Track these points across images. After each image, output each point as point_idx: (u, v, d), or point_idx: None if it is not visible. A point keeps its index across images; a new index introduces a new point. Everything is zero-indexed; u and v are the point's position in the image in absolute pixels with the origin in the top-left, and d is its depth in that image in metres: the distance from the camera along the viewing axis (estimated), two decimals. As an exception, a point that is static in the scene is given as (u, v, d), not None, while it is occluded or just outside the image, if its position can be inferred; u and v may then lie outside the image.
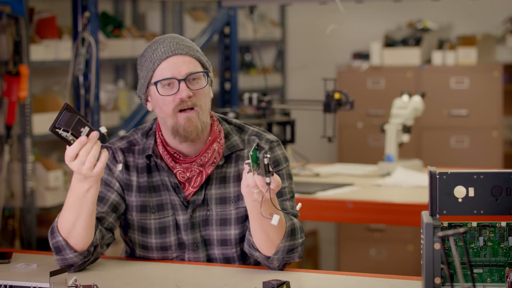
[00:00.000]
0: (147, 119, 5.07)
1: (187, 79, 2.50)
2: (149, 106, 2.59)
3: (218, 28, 5.25)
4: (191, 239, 2.58)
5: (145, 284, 2.37)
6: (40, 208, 5.00)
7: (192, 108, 2.51)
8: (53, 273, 2.26)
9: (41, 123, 4.95)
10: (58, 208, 5.16)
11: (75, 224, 2.42)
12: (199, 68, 2.53)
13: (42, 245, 5.16)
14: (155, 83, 2.51)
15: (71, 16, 4.38)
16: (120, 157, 2.61)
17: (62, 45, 5.15)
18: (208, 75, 2.55)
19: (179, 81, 2.49)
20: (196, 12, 6.54)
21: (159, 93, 2.51)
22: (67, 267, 2.40)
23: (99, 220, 2.57)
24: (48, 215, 5.35)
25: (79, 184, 2.38)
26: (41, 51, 5.01)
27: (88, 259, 2.48)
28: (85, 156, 2.32)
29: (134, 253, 2.66)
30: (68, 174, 5.21)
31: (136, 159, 2.62)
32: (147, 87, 2.55)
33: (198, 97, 2.51)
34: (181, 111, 2.51)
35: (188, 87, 2.50)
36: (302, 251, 2.50)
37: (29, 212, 4.80)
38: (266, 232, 2.42)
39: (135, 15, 6.38)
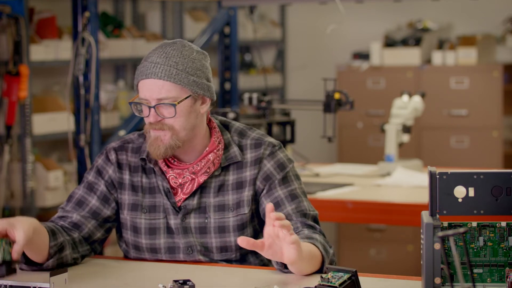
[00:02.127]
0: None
1: (156, 106, 2.48)
2: None
3: (218, 28, 5.25)
4: (184, 243, 2.58)
5: (145, 284, 2.37)
6: (40, 208, 5.00)
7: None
8: (53, 273, 2.26)
9: (41, 123, 4.95)
10: (58, 208, 5.16)
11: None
12: (175, 93, 2.47)
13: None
14: (131, 103, 2.55)
15: (71, 16, 4.38)
16: (112, 155, 2.63)
17: (62, 45, 5.15)
18: (178, 103, 2.46)
19: (149, 107, 2.49)
20: (196, 12, 6.54)
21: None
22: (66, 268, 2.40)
23: (78, 226, 2.58)
24: (48, 215, 5.34)
25: None
26: (41, 51, 5.01)
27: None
28: None
29: (128, 257, 2.67)
30: (68, 174, 5.20)
31: (129, 157, 2.63)
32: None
33: (168, 121, 2.49)
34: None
35: (157, 114, 2.48)
36: (335, 255, 2.53)
37: (29, 212, 4.80)
38: (306, 271, 2.41)
39: (135, 15, 6.38)
